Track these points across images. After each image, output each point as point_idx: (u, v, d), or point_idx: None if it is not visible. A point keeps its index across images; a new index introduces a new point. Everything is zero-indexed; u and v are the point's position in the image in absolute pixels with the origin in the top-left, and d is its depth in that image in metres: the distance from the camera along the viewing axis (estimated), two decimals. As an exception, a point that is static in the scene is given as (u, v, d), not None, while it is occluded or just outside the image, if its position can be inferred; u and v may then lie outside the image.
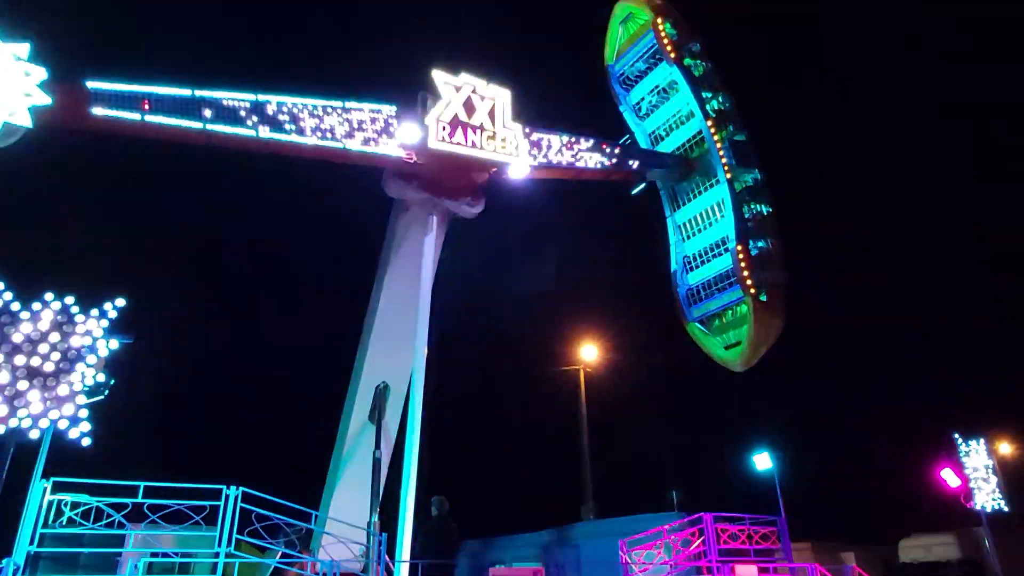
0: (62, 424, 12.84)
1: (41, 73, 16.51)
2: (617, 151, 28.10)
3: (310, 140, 20.54)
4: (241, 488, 13.76)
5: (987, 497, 31.41)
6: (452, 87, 22.18)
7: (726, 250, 29.62)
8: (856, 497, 41.94)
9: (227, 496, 13.56)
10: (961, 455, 32.23)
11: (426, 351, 21.11)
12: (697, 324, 31.25)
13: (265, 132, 19.96)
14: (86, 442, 12.99)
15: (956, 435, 32.75)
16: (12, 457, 12.68)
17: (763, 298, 28.22)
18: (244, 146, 20.26)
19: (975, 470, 31.90)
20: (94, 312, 13.60)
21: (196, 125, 19.09)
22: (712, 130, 30.24)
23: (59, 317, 13.30)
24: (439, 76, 22.08)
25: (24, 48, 16.34)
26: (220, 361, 41.92)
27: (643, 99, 33.87)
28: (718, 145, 30.05)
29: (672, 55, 31.57)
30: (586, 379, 35.44)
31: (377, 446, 19.20)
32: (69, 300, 13.46)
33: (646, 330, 41.23)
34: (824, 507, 37.34)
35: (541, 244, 46.49)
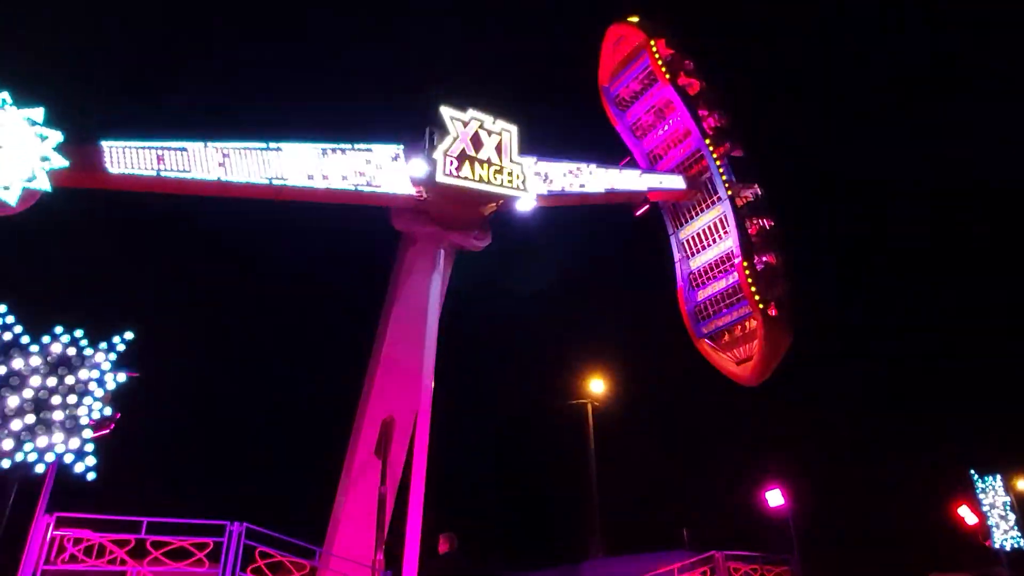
0: (67, 458, 12.80)
1: (57, 136, 16.61)
2: (619, 174, 28.20)
3: (322, 184, 20.85)
4: (245, 524, 13.63)
5: (1005, 535, 30.71)
6: (460, 122, 22.47)
7: (732, 266, 29.74)
8: (871, 535, 41.10)
9: (231, 532, 13.43)
10: (977, 492, 31.59)
11: (432, 384, 21.02)
12: (707, 340, 31.22)
13: (278, 179, 20.28)
14: (91, 476, 12.93)
15: (972, 471, 32.16)
16: (16, 492, 12.61)
17: (771, 313, 28.24)
18: (258, 194, 20.54)
19: (992, 507, 31.24)
20: (103, 345, 13.66)
21: (211, 177, 19.36)
22: (710, 148, 30.54)
23: (68, 350, 13.36)
24: (446, 112, 22.40)
25: (39, 112, 16.50)
26: (225, 396, 41.88)
27: (639, 119, 34.19)
28: (717, 163, 30.32)
29: (666, 76, 31.93)
30: (594, 412, 35.18)
31: (382, 481, 18.97)
32: (78, 333, 13.54)
33: (653, 361, 41.05)
34: (838, 545, 36.58)
35: (545, 273, 46.55)
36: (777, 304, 28.46)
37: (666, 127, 32.78)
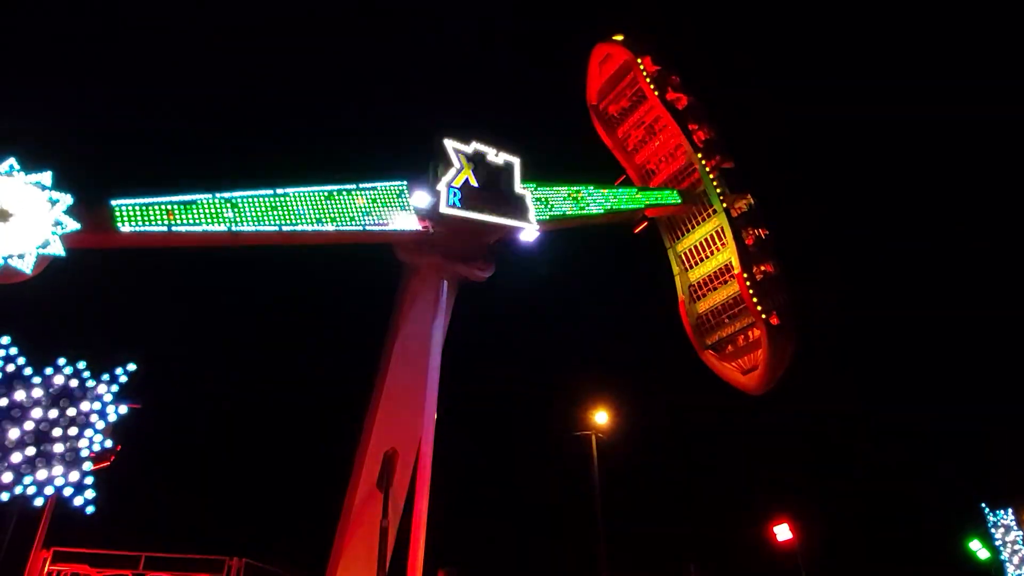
0: (67, 491, 12.71)
1: (67, 199, 16.65)
2: (616, 193, 28.33)
3: (330, 227, 21.02)
4: (245, 559, 13.47)
5: (1018, 571, 30.09)
6: (463, 154, 22.71)
7: (731, 276, 29.78)
8: (881, 570, 40.33)
9: (230, 567, 13.27)
10: (989, 526, 31.07)
11: (435, 416, 20.88)
12: (711, 351, 31.14)
13: (287, 225, 20.44)
14: (90, 510, 12.82)
15: (983, 505, 31.66)
16: (14, 525, 12.50)
17: (774, 322, 28.22)
18: (269, 241, 20.69)
19: (1004, 542, 30.68)
20: (105, 377, 13.65)
21: (221, 228, 19.50)
22: (702, 160, 30.83)
23: (70, 382, 13.35)
24: (449, 144, 22.64)
25: (47, 176, 16.58)
26: (225, 428, 41.62)
27: (630, 135, 34.58)
28: (710, 175, 30.60)
29: (654, 92, 32.29)
30: (599, 444, 34.74)
31: (384, 514, 18.75)
32: (81, 365, 13.54)
33: (658, 390, 40.82)
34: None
35: (546, 304, 46.56)
36: (779, 312, 28.52)
37: (657, 142, 33.23)
